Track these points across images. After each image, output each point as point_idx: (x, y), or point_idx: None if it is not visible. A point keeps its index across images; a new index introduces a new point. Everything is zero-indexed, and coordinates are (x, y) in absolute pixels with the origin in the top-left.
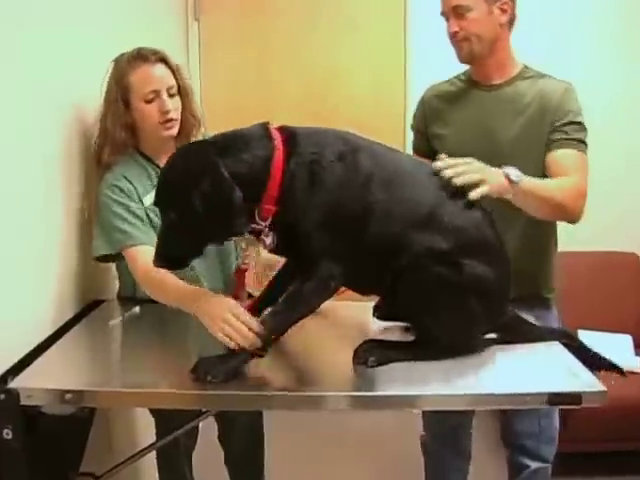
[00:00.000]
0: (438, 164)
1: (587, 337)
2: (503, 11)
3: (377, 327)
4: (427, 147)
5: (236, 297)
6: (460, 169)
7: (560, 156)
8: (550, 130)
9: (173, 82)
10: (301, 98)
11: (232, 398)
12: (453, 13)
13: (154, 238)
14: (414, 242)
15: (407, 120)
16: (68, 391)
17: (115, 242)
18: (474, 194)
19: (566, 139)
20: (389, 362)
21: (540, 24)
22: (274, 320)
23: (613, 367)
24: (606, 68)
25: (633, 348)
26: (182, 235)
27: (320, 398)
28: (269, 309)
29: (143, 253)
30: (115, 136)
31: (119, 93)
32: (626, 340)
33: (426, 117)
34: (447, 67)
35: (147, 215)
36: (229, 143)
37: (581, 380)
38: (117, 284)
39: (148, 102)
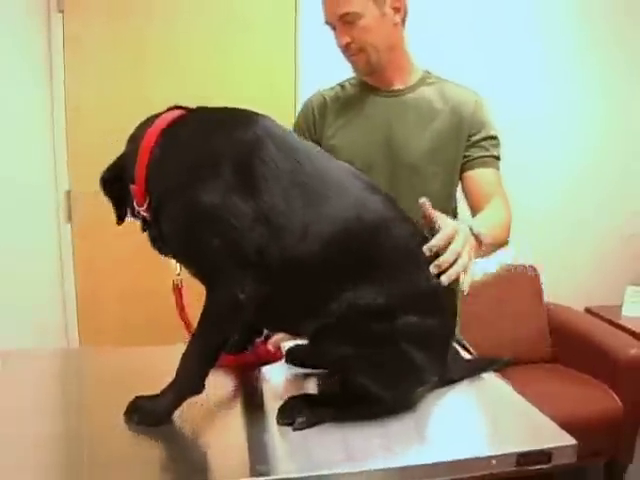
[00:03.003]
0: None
1: None
2: (396, 10)
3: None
4: None
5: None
6: (448, 256)
7: (481, 175)
8: (467, 144)
9: None
10: (181, 100)
11: None
12: (341, 22)
13: None
14: (344, 289)
15: None
16: None
17: None
18: (467, 288)
19: (486, 156)
20: (320, 422)
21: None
22: (182, 365)
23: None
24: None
25: None
26: None
27: None
28: None
29: None
30: None
31: None
32: None
33: (316, 124)
34: (338, 69)
35: None
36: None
37: (544, 431)
38: None
39: None
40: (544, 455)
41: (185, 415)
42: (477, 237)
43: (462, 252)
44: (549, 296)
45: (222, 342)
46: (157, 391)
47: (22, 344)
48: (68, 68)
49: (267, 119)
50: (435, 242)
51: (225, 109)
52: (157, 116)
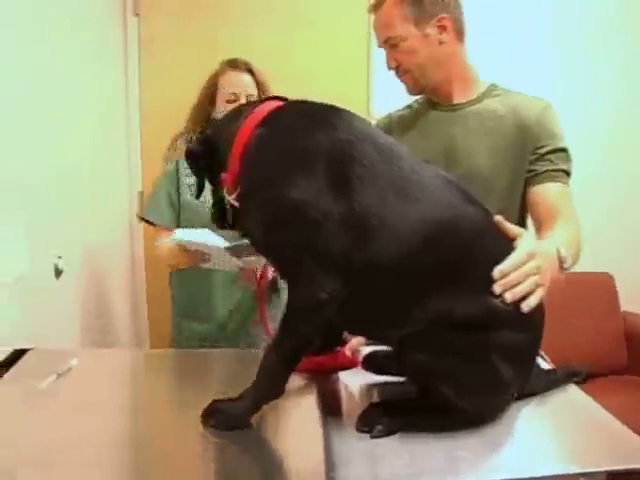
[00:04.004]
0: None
1: None
2: (442, 28)
3: (368, 382)
4: None
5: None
6: (513, 278)
7: (548, 191)
8: (534, 157)
9: (254, 92)
10: None
11: None
12: (387, 46)
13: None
14: (435, 298)
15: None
16: None
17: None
18: (526, 307)
19: (554, 170)
20: (399, 431)
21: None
22: (262, 368)
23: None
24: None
25: None
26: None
27: None
28: None
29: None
30: (191, 130)
31: (209, 91)
32: None
33: None
34: None
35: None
36: (227, 113)
37: (634, 448)
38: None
39: (229, 102)
40: (636, 475)
41: (261, 419)
42: (561, 260)
43: (535, 274)
44: (626, 305)
45: (303, 344)
46: (234, 394)
47: (93, 343)
48: (143, 71)
49: (365, 121)
50: (503, 267)
51: (324, 105)
52: (255, 104)
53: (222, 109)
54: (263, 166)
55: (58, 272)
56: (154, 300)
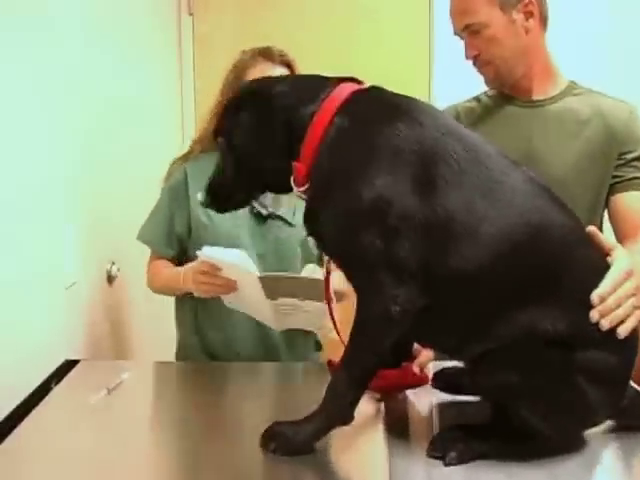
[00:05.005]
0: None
1: None
2: (528, 14)
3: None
4: None
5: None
6: (612, 302)
7: (634, 199)
8: (620, 163)
9: None
10: None
11: None
12: (467, 33)
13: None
14: (519, 311)
15: None
16: None
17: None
18: (623, 331)
19: None
20: (475, 459)
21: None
22: (331, 389)
23: None
24: None
25: None
26: (229, 167)
27: None
28: None
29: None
30: (210, 135)
31: (233, 86)
32: None
33: None
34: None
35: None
36: (291, 86)
37: None
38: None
39: None
40: None
41: (322, 442)
42: None
43: (633, 294)
44: None
45: (375, 362)
46: (299, 415)
47: (146, 354)
48: (197, 70)
49: (451, 118)
50: (602, 291)
51: (405, 97)
52: (330, 83)
53: None
54: (342, 161)
55: (111, 278)
56: None
